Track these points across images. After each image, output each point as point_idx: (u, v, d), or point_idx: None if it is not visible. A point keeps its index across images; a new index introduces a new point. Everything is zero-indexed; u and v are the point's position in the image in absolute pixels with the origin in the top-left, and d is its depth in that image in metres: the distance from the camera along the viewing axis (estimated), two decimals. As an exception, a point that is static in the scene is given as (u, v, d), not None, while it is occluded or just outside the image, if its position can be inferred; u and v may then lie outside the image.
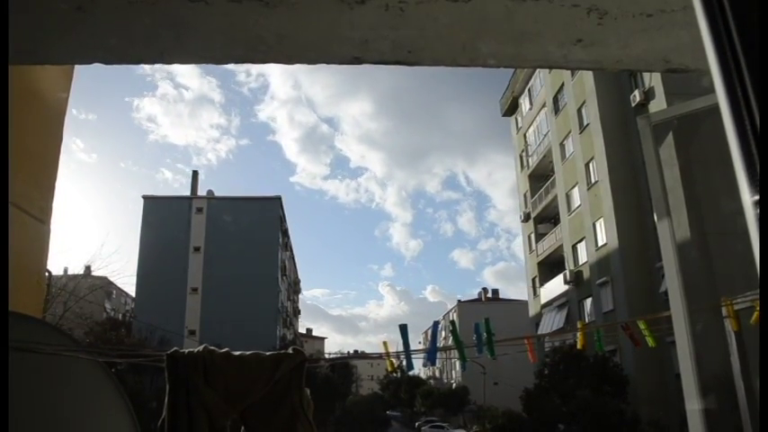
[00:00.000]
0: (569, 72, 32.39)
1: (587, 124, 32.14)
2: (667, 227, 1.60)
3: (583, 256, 33.43)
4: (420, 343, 74.85)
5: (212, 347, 2.39)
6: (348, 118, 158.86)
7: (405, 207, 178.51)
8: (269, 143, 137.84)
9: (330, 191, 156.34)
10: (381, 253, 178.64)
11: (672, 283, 2.32)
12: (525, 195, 42.47)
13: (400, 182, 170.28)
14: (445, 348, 3.91)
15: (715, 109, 0.70)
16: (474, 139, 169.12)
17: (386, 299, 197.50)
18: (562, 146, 35.82)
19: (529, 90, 41.69)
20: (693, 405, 1.55)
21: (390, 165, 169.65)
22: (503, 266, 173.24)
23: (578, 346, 3.86)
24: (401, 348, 3.07)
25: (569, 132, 34.72)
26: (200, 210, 56.58)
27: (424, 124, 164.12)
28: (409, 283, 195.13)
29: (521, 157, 43.59)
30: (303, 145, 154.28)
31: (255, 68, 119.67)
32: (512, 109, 44.82)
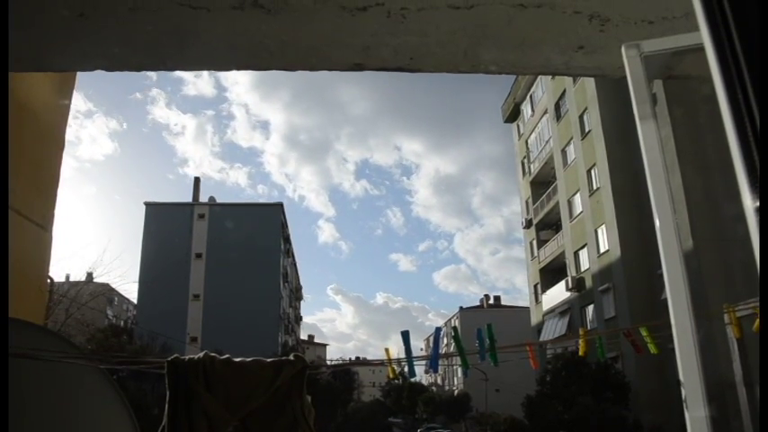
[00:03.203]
0: (571, 79, 32.44)
1: (589, 131, 32.14)
2: (664, 183, 1.58)
3: (585, 263, 33.36)
4: (422, 350, 74.69)
5: (213, 354, 2.39)
6: (232, 102, 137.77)
7: (323, 203, 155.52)
8: (149, 134, 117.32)
9: (229, 183, 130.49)
10: (312, 254, 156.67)
11: (671, 274, 2.30)
12: (527, 202, 42.45)
13: (307, 173, 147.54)
14: (448, 355, 3.89)
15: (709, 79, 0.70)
16: (379, 125, 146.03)
17: (343, 306, 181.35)
18: (564, 152, 35.82)
19: (531, 96, 41.72)
20: (695, 413, 1.54)
21: (291, 153, 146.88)
22: (452, 269, 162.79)
23: (580, 353, 3.85)
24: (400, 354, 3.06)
25: (571, 139, 34.72)
26: (201, 216, 56.66)
27: (318, 108, 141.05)
28: (355, 288, 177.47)
29: (522, 164, 43.60)
30: (189, 132, 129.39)
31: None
32: (513, 115, 44.86)
